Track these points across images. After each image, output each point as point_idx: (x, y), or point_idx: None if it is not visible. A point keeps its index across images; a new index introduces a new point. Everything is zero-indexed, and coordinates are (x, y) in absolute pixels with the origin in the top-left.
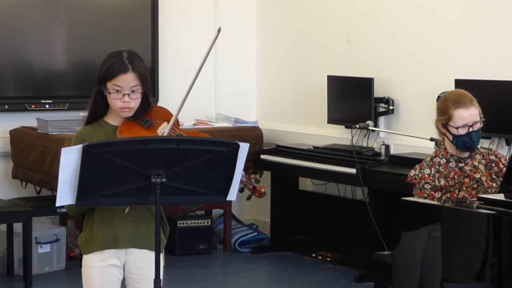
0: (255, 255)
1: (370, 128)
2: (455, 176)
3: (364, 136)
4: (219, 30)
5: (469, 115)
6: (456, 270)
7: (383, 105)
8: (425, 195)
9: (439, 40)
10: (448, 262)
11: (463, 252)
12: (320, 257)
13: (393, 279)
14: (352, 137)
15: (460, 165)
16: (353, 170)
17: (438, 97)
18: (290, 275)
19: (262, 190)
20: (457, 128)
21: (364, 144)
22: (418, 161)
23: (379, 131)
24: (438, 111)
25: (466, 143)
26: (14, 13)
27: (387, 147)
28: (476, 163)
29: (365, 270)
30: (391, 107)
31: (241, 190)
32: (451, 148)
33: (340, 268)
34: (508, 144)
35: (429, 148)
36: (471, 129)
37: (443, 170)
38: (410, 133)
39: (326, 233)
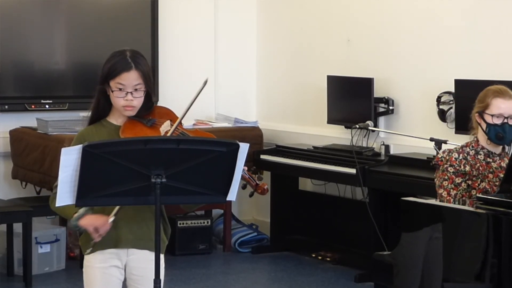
0: (255, 255)
1: (370, 128)
2: (480, 168)
3: (364, 136)
4: (205, 82)
5: (506, 107)
6: (456, 270)
7: (383, 105)
8: (446, 177)
9: (439, 40)
10: (448, 262)
11: (463, 252)
12: (320, 257)
13: (393, 280)
14: (352, 137)
15: (488, 159)
16: (353, 170)
17: (439, 97)
18: (290, 275)
19: (265, 187)
20: (492, 116)
21: (364, 144)
22: (418, 161)
23: (379, 131)
24: (477, 101)
25: (498, 132)
26: (14, 13)
27: (387, 147)
28: (503, 164)
29: (365, 270)
30: (391, 107)
31: (243, 187)
32: (483, 140)
33: (340, 268)
34: (508, 144)
35: (429, 148)
36: (506, 121)
37: (470, 159)
38: (410, 133)
39: (326, 233)
